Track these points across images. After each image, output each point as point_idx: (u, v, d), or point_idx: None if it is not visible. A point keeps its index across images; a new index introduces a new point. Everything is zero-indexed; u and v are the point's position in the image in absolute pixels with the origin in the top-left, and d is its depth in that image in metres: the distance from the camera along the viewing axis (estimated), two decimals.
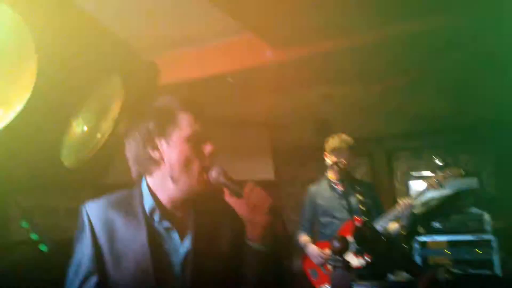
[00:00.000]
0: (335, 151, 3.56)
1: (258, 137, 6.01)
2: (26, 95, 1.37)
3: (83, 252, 1.39)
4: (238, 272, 1.42)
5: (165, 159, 1.38)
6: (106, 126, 1.70)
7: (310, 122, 5.88)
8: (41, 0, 1.46)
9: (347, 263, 2.11)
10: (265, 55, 2.99)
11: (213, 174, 1.38)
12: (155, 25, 3.05)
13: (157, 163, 1.39)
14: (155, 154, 1.38)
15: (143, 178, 1.47)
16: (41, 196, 4.76)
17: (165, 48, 3.39)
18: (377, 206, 3.66)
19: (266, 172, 5.93)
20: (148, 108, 1.43)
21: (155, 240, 1.39)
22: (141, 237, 1.38)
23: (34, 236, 2.98)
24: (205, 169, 1.39)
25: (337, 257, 2.13)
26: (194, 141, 1.39)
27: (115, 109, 1.65)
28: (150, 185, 1.44)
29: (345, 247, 2.16)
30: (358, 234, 2.84)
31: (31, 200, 4.76)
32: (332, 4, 2.50)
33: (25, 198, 4.40)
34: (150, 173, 1.43)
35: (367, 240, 2.91)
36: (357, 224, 3.23)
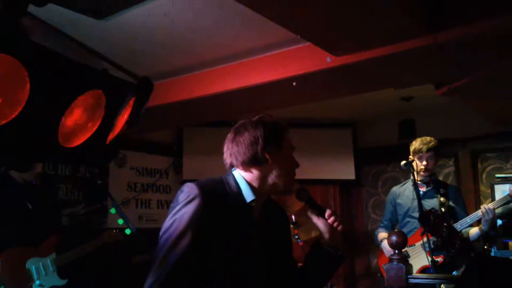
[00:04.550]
0: (419, 153, 3.63)
1: (340, 137, 6.14)
2: None
3: (188, 219, 1.56)
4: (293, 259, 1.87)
5: (274, 162, 1.68)
6: None
7: (393, 123, 5.89)
8: None
9: (403, 257, 2.24)
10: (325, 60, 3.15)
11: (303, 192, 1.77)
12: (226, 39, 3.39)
13: (263, 162, 1.67)
14: (265, 156, 1.66)
15: (233, 170, 1.73)
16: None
17: (236, 58, 3.73)
18: (459, 209, 3.65)
19: (348, 172, 6.04)
20: (258, 119, 1.73)
21: (249, 223, 1.70)
22: (243, 219, 1.68)
23: (120, 222, 3.50)
24: (294, 177, 1.75)
25: (395, 250, 2.27)
26: (292, 155, 1.76)
27: None
28: (246, 178, 1.70)
29: (403, 241, 2.30)
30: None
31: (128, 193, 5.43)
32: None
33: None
34: (250, 168, 1.69)
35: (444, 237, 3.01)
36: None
